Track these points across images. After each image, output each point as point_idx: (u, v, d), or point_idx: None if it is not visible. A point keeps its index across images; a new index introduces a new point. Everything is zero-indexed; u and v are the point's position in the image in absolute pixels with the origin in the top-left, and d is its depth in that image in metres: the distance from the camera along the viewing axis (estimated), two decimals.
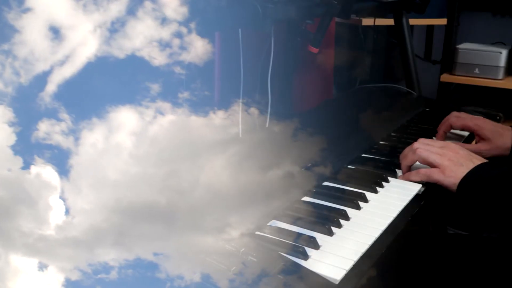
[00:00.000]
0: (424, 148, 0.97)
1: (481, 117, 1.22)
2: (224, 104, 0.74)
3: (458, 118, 1.21)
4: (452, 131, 1.25)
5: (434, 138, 1.24)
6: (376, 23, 1.64)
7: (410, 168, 1.01)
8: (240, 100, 0.98)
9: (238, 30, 1.07)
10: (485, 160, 0.94)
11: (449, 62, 2.35)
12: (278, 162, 0.80)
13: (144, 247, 0.59)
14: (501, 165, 0.94)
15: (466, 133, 1.28)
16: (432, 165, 0.96)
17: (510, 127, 1.17)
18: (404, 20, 1.55)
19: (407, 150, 1.01)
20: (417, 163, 1.00)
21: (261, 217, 0.77)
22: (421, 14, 1.55)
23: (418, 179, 0.96)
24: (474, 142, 1.23)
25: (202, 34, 0.93)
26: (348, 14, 1.26)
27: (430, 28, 2.56)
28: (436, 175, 0.94)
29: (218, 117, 0.69)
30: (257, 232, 0.76)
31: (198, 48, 0.65)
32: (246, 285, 0.63)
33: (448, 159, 0.94)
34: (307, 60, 1.44)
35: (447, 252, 1.09)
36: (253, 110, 1.00)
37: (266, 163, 0.74)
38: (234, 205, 0.67)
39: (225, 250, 0.68)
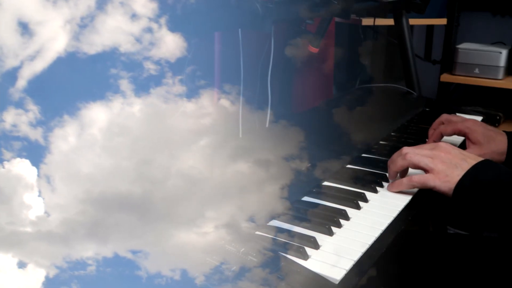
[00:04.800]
0: (414, 152, 0.91)
1: (472, 119, 1.15)
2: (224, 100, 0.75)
3: (448, 124, 1.13)
4: (445, 137, 1.17)
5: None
6: (376, 23, 1.64)
7: (397, 174, 0.95)
8: (240, 100, 0.98)
9: (238, 30, 1.07)
10: (480, 159, 0.89)
11: (449, 62, 2.35)
12: (278, 162, 0.80)
13: (124, 243, 0.59)
14: (497, 163, 0.89)
15: (459, 140, 1.21)
16: (424, 170, 0.90)
17: (503, 132, 1.10)
18: (404, 20, 1.55)
19: (395, 155, 0.95)
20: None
21: (260, 217, 0.77)
22: (421, 14, 1.54)
23: (410, 187, 0.91)
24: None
25: (201, 33, 0.93)
26: (348, 14, 1.26)
27: (430, 28, 2.56)
28: (431, 182, 0.88)
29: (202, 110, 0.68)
30: (257, 232, 0.76)
31: (170, 43, 0.65)
32: (246, 285, 0.63)
33: (440, 162, 0.88)
34: (307, 60, 1.44)
35: (447, 252, 1.09)
36: (253, 110, 1.00)
37: (265, 163, 0.74)
38: (232, 203, 0.67)
39: (225, 250, 0.68)
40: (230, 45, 1.11)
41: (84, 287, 0.59)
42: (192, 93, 0.72)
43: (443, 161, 0.89)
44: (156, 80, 0.65)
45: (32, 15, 0.57)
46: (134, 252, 0.60)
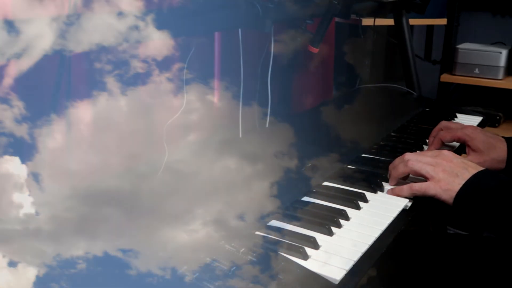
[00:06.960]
0: (416, 159, 0.92)
1: (471, 125, 1.14)
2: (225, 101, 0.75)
3: (447, 131, 1.12)
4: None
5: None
6: (376, 23, 1.64)
7: (398, 180, 0.95)
8: (240, 100, 0.98)
9: (238, 30, 1.07)
10: (480, 168, 0.89)
11: (449, 62, 2.35)
12: (278, 162, 0.80)
13: (115, 241, 0.59)
14: (497, 173, 0.89)
15: (457, 143, 1.19)
16: (425, 177, 0.91)
17: (503, 138, 1.09)
18: (404, 20, 1.56)
19: (397, 161, 0.95)
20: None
21: (260, 217, 0.77)
22: (421, 14, 1.54)
23: (411, 195, 0.90)
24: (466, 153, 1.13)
25: (202, 33, 0.93)
26: (348, 14, 1.26)
27: (430, 28, 2.56)
28: (432, 190, 0.88)
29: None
30: (257, 232, 0.76)
31: (157, 40, 0.64)
32: (245, 285, 0.63)
33: (442, 170, 0.89)
34: (307, 60, 1.44)
35: (447, 252, 1.09)
36: (253, 110, 1.00)
37: (265, 163, 0.74)
38: (231, 203, 0.67)
39: (225, 250, 0.68)
40: (230, 45, 1.11)
41: (74, 285, 0.58)
42: (192, 93, 0.72)
43: (444, 170, 0.89)
44: (145, 78, 0.65)
45: (18, 13, 0.56)
46: (124, 251, 0.60)
